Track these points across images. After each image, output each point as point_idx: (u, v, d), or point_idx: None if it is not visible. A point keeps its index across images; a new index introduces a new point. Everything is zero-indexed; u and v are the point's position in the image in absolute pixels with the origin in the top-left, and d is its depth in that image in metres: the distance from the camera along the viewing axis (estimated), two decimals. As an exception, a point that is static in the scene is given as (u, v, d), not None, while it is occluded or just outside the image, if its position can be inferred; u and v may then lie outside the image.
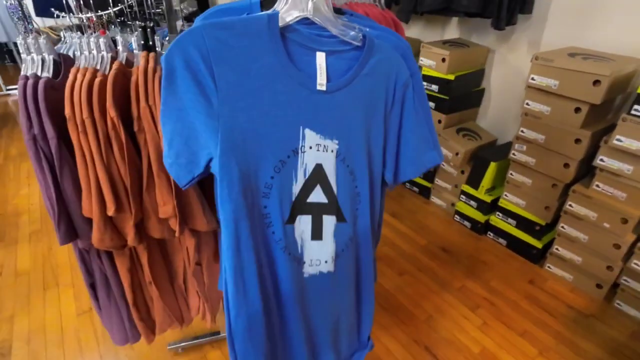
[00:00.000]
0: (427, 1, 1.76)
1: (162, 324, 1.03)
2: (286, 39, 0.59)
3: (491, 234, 1.98)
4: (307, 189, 0.63)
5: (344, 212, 0.66)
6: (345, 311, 0.73)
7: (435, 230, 2.07)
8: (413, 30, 2.41)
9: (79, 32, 0.89)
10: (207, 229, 0.88)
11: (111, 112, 0.71)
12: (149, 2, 0.84)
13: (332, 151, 0.62)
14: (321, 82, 0.60)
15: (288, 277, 0.65)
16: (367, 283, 0.73)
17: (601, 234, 1.53)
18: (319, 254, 0.66)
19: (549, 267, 1.77)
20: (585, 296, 1.65)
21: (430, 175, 2.24)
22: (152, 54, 0.80)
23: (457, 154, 1.99)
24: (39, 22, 2.24)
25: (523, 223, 1.83)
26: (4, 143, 3.05)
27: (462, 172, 2.04)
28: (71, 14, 0.93)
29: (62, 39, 1.04)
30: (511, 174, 1.81)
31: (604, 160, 1.45)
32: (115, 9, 1.03)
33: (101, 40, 0.79)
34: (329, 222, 0.65)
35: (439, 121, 2.08)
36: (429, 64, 1.99)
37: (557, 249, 1.71)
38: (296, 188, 0.62)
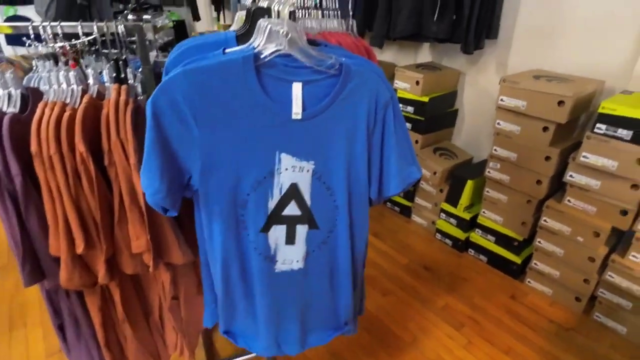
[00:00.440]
0: (399, 28, 1.83)
1: (137, 364, 0.98)
2: (262, 74, 0.63)
3: (472, 251, 2.01)
4: (282, 204, 0.69)
5: (318, 222, 0.71)
6: (317, 295, 0.79)
7: (416, 248, 2.08)
8: (387, 55, 2.49)
9: (52, 60, 0.88)
10: (183, 261, 0.86)
11: (80, 147, 0.69)
12: (123, 32, 0.84)
13: (307, 171, 0.67)
14: (297, 111, 0.63)
15: (259, 272, 0.72)
16: (343, 277, 0.78)
17: (576, 248, 1.57)
18: (291, 255, 0.73)
19: (529, 281, 1.80)
20: (565, 309, 1.68)
21: (410, 194, 2.27)
22: (124, 87, 0.79)
23: (435, 173, 2.03)
24: (9, 50, 2.19)
25: (502, 239, 1.87)
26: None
27: (441, 190, 2.07)
28: (43, 42, 0.92)
29: (34, 68, 1.02)
30: (487, 191, 1.86)
31: (573, 176, 1.51)
32: (89, 38, 1.02)
33: (71, 73, 0.78)
34: (301, 229, 0.72)
35: (416, 141, 2.12)
36: (403, 86, 2.05)
37: (535, 263, 1.74)
38: (272, 204, 0.68)
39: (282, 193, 0.68)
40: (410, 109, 2.07)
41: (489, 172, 1.80)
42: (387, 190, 0.73)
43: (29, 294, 1.73)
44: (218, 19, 4.04)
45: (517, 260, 1.82)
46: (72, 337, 0.90)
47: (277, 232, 0.70)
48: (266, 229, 0.70)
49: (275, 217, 0.69)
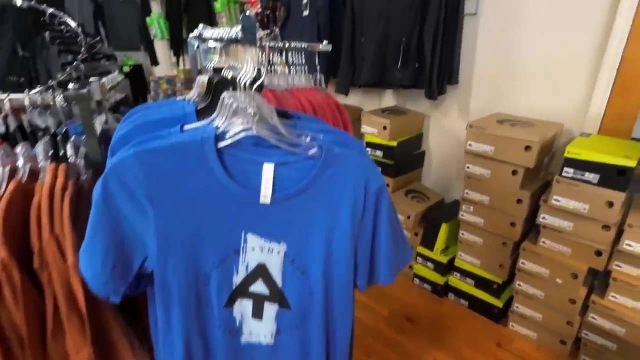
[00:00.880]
0: (363, 76, 1.84)
1: None
2: (226, 155, 0.56)
3: (452, 296, 1.95)
4: (248, 281, 0.63)
5: (290, 303, 0.65)
6: None
7: (396, 297, 1.99)
8: (353, 98, 2.50)
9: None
10: (138, 370, 0.71)
11: (1, 252, 0.55)
12: (62, 104, 0.73)
13: (278, 253, 0.61)
14: (265, 195, 0.56)
15: (224, 345, 0.64)
16: None
17: (556, 290, 1.55)
18: (258, 330, 0.66)
19: (512, 325, 1.75)
20: (551, 354, 1.63)
21: (384, 239, 2.20)
22: (62, 167, 0.68)
23: (409, 217, 1.99)
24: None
25: (481, 282, 1.82)
26: None
27: (416, 234, 2.03)
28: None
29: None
30: (462, 233, 1.83)
31: (546, 218, 1.51)
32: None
33: (-5, 154, 0.65)
34: (270, 307, 0.65)
35: (388, 185, 2.09)
36: (371, 131, 2.03)
37: (517, 307, 1.70)
38: (237, 279, 0.62)
39: (249, 271, 0.62)
40: (379, 153, 2.05)
41: (462, 215, 1.78)
42: (379, 278, 0.65)
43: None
44: (178, 64, 3.97)
45: (499, 303, 1.77)
46: None
47: (243, 306, 0.64)
48: (231, 303, 0.63)
49: (241, 292, 0.63)
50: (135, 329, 0.73)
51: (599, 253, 1.43)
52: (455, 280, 1.91)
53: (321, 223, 0.59)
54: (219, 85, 0.61)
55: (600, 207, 1.35)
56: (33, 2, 1.35)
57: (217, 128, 0.55)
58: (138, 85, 4.66)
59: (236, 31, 0.55)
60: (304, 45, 1.15)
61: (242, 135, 0.53)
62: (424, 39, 1.69)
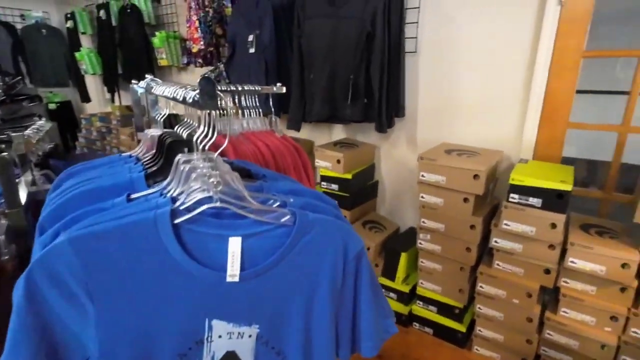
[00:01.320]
0: (314, 112, 1.84)
1: None
2: (183, 231, 0.48)
3: (417, 325, 1.94)
4: None
5: None
6: None
7: (363, 333, 1.93)
8: (303, 132, 2.49)
9: None
10: None
11: None
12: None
13: (249, 336, 0.53)
14: (232, 274, 0.49)
15: None
16: None
17: (513, 310, 1.61)
18: None
19: (476, 349, 1.78)
20: (515, 374, 1.67)
21: (345, 273, 2.17)
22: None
23: (368, 248, 1.98)
24: None
25: (443, 308, 1.84)
26: None
27: (377, 265, 2.02)
28: None
29: None
30: (422, 261, 1.85)
31: (497, 241, 1.58)
32: None
33: None
34: None
35: (345, 217, 2.08)
36: (325, 165, 2.03)
37: (479, 330, 1.74)
38: None
39: None
40: (334, 186, 2.05)
41: (420, 243, 1.81)
42: (361, 349, 0.60)
43: None
44: (113, 100, 3.73)
45: (462, 328, 1.80)
46: None
47: None
48: None
49: None
50: None
51: (547, 271, 1.51)
52: (418, 308, 1.91)
53: (297, 297, 0.53)
54: (173, 145, 0.55)
55: (544, 229, 1.44)
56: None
57: (172, 199, 0.48)
58: (67, 123, 4.29)
59: (192, 94, 0.49)
60: (258, 87, 1.11)
61: (203, 207, 0.46)
62: (371, 75, 1.75)
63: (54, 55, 3.93)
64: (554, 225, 1.42)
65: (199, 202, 0.46)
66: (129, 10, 3.12)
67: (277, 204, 0.51)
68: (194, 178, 0.47)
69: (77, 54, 3.71)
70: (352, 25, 1.71)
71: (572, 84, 1.60)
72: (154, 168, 0.55)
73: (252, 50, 2.07)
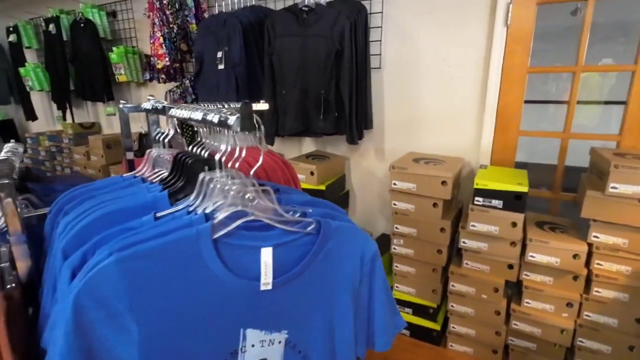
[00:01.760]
0: (288, 126, 1.89)
1: None
2: (221, 245, 0.50)
3: (394, 328, 2.02)
4: None
5: None
6: None
7: (343, 340, 1.97)
8: (274, 145, 2.53)
9: None
10: None
11: None
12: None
13: (279, 342, 0.56)
14: (266, 282, 0.52)
15: None
16: None
17: (483, 305, 1.73)
18: None
19: (451, 345, 1.88)
20: (487, 365, 1.79)
21: (322, 282, 2.20)
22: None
23: (344, 257, 2.03)
24: None
25: (418, 309, 1.94)
26: None
27: (353, 273, 2.08)
28: None
29: None
30: (396, 265, 1.94)
31: (465, 242, 1.70)
32: None
33: None
34: None
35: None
36: (299, 177, 2.07)
37: (453, 327, 1.85)
38: None
39: None
40: (308, 198, 2.09)
41: (394, 248, 1.90)
42: (375, 345, 0.65)
43: None
44: (64, 118, 3.52)
45: (436, 327, 1.90)
46: None
47: None
48: None
49: None
50: None
51: (510, 266, 1.66)
52: (394, 311, 1.99)
53: (322, 301, 0.57)
54: (194, 164, 0.57)
55: (506, 228, 1.58)
56: None
57: (206, 215, 0.50)
58: (9, 142, 3.96)
59: (219, 115, 0.52)
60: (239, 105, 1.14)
61: (240, 221, 0.49)
62: (341, 90, 1.84)
63: (-7, 71, 3.65)
64: (514, 224, 1.56)
65: (235, 216, 0.49)
66: (82, 25, 3.00)
67: (298, 214, 0.55)
68: (223, 194, 0.50)
69: (21, 70, 3.48)
70: (321, 43, 1.79)
71: (521, 96, 1.79)
72: (177, 186, 0.57)
73: (221, 67, 2.08)
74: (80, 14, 3.00)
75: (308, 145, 2.42)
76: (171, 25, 2.33)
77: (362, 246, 0.60)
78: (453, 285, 1.78)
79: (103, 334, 0.45)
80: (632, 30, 3.27)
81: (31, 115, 3.87)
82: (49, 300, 0.55)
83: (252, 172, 0.55)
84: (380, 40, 2.03)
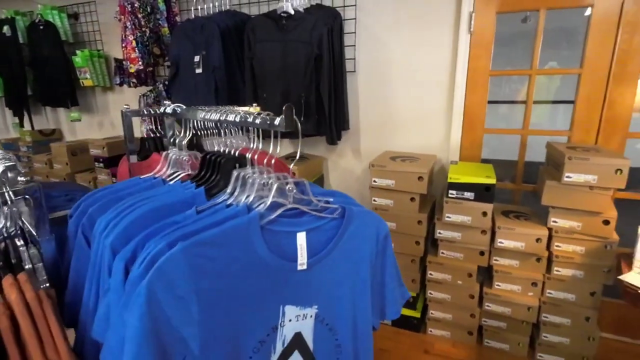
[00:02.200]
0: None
1: None
2: (265, 232, 0.56)
3: (376, 318, 2.12)
4: (284, 356, 0.63)
5: None
6: None
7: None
8: (250, 148, 2.56)
9: None
10: None
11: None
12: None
13: (310, 316, 0.63)
14: (302, 262, 0.59)
15: None
16: None
17: (458, 290, 1.88)
18: None
19: (430, 331, 2.01)
20: (464, 346, 1.93)
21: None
22: (22, 277, 0.55)
23: (327, 254, 2.11)
24: None
25: (399, 299, 2.05)
26: None
27: (336, 268, 2.16)
28: None
29: None
30: (377, 259, 2.04)
31: (441, 232, 1.84)
32: None
33: None
34: None
35: (302, 227, 2.19)
36: (280, 179, 2.12)
37: (432, 313, 1.98)
38: (274, 357, 0.62)
39: (285, 345, 0.63)
40: (290, 198, 2.15)
41: (375, 242, 2.00)
42: (387, 314, 0.73)
43: None
44: (21, 125, 3.32)
45: (416, 314, 2.02)
46: None
47: None
48: None
49: None
50: None
51: (482, 253, 1.81)
52: (377, 303, 2.09)
53: (347, 277, 0.64)
54: (227, 162, 0.62)
55: (478, 217, 1.73)
56: None
57: (251, 206, 0.56)
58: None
59: (260, 117, 0.57)
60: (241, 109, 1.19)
61: (281, 209, 0.55)
62: (321, 93, 1.92)
63: (-64, 76, 3.37)
64: (484, 214, 1.71)
65: (275, 205, 0.55)
66: (41, 27, 2.86)
67: (322, 203, 0.62)
68: (259, 187, 0.56)
69: (-30, 74, 3.24)
70: (301, 48, 1.86)
71: (485, 97, 1.96)
72: (211, 183, 0.61)
73: (199, 71, 2.09)
74: (39, 16, 2.86)
75: (286, 146, 2.48)
76: (143, 29, 2.30)
77: (377, 227, 0.68)
78: (431, 274, 1.91)
79: (170, 315, 0.49)
80: (573, 36, 3.65)
81: (-19, 123, 3.61)
82: (91, 295, 0.57)
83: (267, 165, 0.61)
84: (354, 45, 2.13)
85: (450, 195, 1.75)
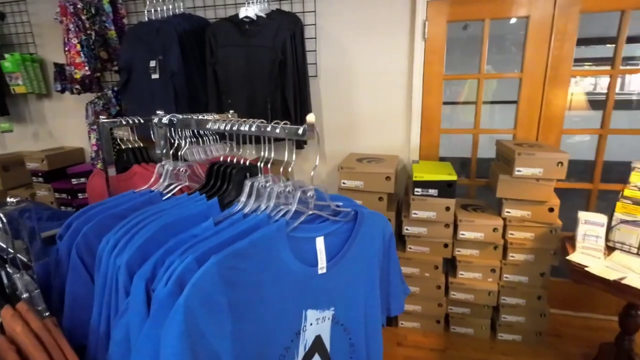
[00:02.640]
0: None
1: None
2: (289, 238, 0.57)
3: (350, 317, 2.16)
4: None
5: None
6: None
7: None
8: (211, 156, 2.49)
9: None
10: None
11: None
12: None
13: (328, 319, 0.65)
14: (322, 266, 0.61)
15: None
16: None
17: (426, 283, 1.98)
18: None
19: (402, 323, 2.10)
20: (433, 334, 2.05)
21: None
22: (22, 306, 0.50)
23: (299, 258, 2.11)
24: None
25: (370, 296, 2.11)
26: None
27: (307, 272, 2.17)
28: None
29: None
30: (348, 259, 2.09)
31: (408, 229, 1.93)
32: None
33: None
34: None
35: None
36: (247, 185, 2.09)
37: (402, 306, 2.06)
38: None
39: (307, 349, 0.63)
40: (258, 204, 2.12)
41: (345, 243, 2.05)
42: (391, 310, 0.76)
43: None
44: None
45: (388, 309, 2.10)
46: None
47: None
48: None
49: None
50: None
51: (446, 245, 1.93)
52: (349, 302, 2.14)
53: (360, 277, 0.66)
54: (238, 172, 0.61)
55: (441, 212, 1.85)
56: None
57: (271, 215, 0.56)
58: None
59: (282, 126, 0.58)
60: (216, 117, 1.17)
61: (304, 217, 0.56)
62: (287, 98, 1.92)
63: None
64: (447, 208, 1.83)
65: (298, 213, 0.55)
66: (-40, 28, 2.54)
67: (344, 208, 0.64)
68: (277, 195, 0.56)
69: None
70: (265, 53, 1.86)
71: (439, 99, 2.10)
72: (224, 194, 0.60)
73: (155, 76, 1.99)
74: (-44, 15, 2.54)
75: (250, 152, 2.44)
76: (88, 32, 2.14)
77: (383, 227, 0.72)
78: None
79: (205, 331, 0.47)
80: (501, 42, 4.04)
81: None
82: (102, 318, 0.53)
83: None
84: (316, 51, 2.16)
85: (416, 193, 1.85)
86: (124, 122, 0.83)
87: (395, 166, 1.93)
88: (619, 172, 2.23)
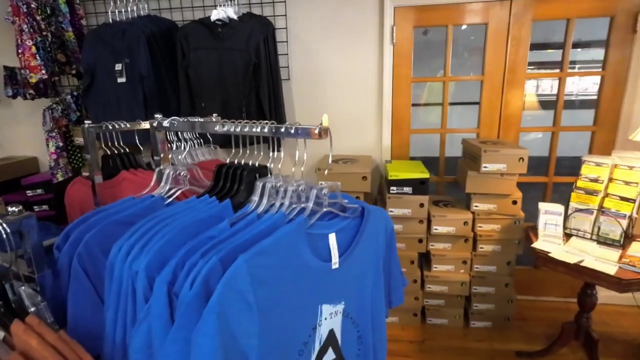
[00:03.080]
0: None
1: None
2: (307, 235, 0.59)
3: (330, 317, 2.19)
4: (320, 355, 0.66)
5: (346, 358, 0.70)
6: None
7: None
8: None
9: None
10: None
11: None
12: None
13: (340, 313, 0.67)
14: (335, 261, 0.63)
15: None
16: None
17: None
18: None
19: (380, 319, 2.16)
20: (411, 327, 2.12)
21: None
22: (33, 320, 0.48)
23: (278, 261, 2.11)
24: None
25: (349, 295, 2.15)
26: None
27: (286, 274, 2.17)
28: None
29: None
30: (326, 259, 2.12)
31: (385, 226, 1.99)
32: None
33: None
34: None
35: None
36: (223, 190, 2.06)
37: (381, 302, 2.12)
38: (313, 357, 0.65)
39: (322, 343, 0.65)
40: (235, 209, 2.10)
41: (324, 243, 2.08)
42: (392, 302, 0.80)
43: None
44: None
45: (367, 306, 2.15)
46: None
47: None
48: None
49: None
50: None
51: (420, 240, 2.01)
52: (329, 302, 2.17)
53: (366, 271, 0.69)
54: (249, 173, 0.61)
55: (416, 209, 1.93)
56: None
57: (287, 214, 0.57)
58: None
59: (296, 126, 0.59)
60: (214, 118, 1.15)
61: (319, 214, 0.58)
62: (261, 101, 1.92)
63: None
64: (422, 205, 1.92)
65: (313, 211, 0.57)
66: None
67: (353, 205, 0.66)
68: (291, 194, 0.57)
69: None
70: (239, 56, 1.84)
71: (408, 101, 2.19)
72: (235, 195, 0.60)
73: (122, 80, 1.91)
74: None
75: (222, 156, 2.40)
76: (44, 33, 2.01)
77: (386, 222, 0.75)
78: (378, 266, 2.05)
79: (235, 330, 0.48)
80: (455, 47, 4.28)
81: None
82: (117, 327, 0.52)
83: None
84: (287, 54, 2.18)
85: (391, 192, 1.92)
86: (110, 127, 0.80)
87: (370, 166, 1.99)
88: (564, 166, 2.45)
